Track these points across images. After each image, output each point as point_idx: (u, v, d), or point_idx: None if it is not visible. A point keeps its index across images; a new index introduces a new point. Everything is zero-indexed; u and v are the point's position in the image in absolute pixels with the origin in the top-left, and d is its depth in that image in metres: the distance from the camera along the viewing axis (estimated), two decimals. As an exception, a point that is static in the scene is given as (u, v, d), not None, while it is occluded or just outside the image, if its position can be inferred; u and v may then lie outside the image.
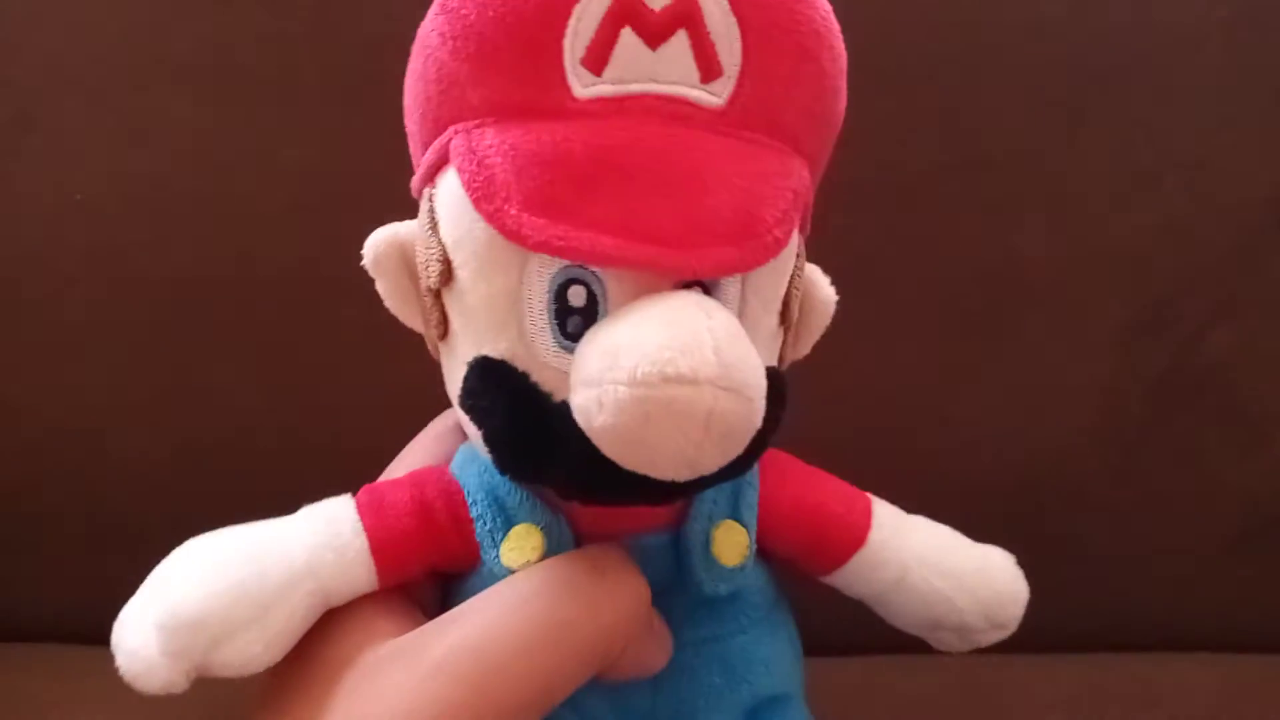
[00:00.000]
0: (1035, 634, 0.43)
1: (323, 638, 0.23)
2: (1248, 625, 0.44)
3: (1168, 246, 0.41)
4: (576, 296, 0.21)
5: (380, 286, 0.25)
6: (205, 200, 0.40)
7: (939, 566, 0.27)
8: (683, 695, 0.25)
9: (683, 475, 0.20)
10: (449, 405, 0.29)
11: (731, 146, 0.21)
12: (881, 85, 0.39)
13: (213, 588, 0.22)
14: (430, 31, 0.22)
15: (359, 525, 0.24)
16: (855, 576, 0.27)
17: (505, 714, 0.20)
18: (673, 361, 0.18)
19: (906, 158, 0.40)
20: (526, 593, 0.22)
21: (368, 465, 0.30)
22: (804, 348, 0.26)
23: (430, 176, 0.23)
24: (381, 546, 0.24)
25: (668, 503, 0.23)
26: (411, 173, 0.25)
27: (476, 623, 0.22)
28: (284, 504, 0.25)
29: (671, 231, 0.19)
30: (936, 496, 0.41)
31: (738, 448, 0.20)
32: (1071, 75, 0.40)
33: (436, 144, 0.22)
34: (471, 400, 0.23)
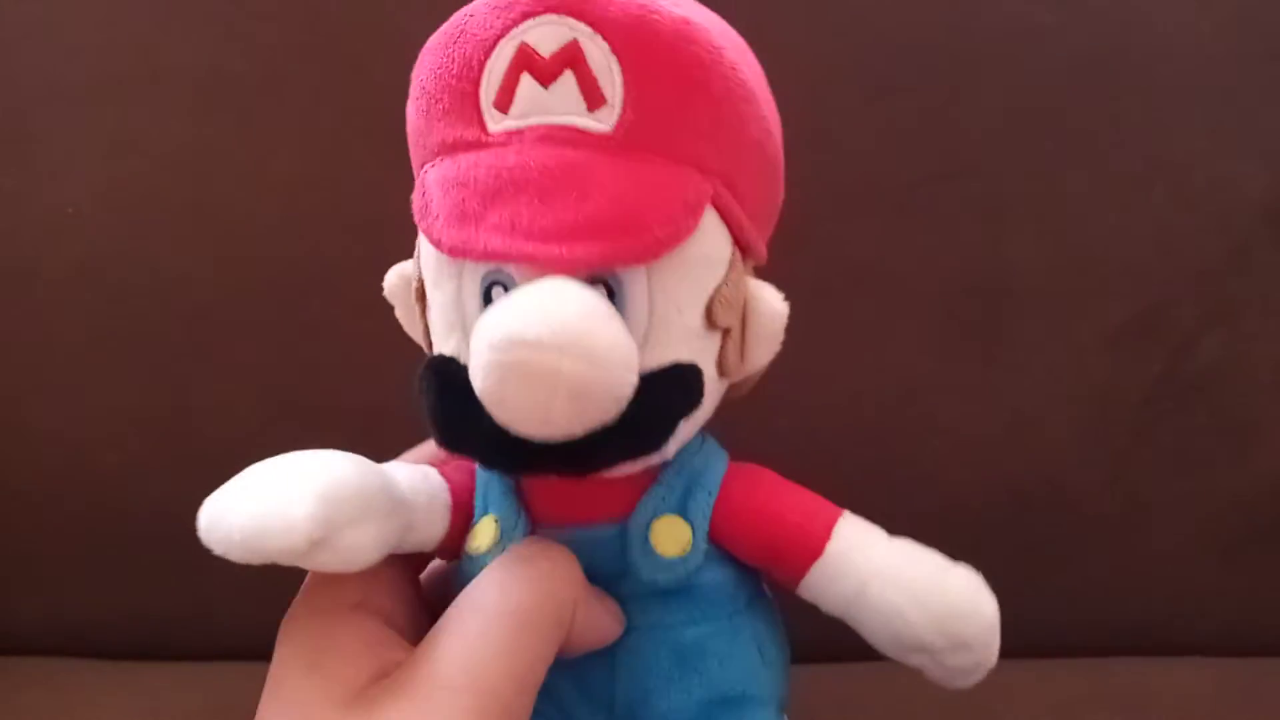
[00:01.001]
0: (1029, 639, 0.43)
1: (310, 670, 0.24)
2: (1242, 629, 0.44)
3: (1159, 252, 0.41)
4: (498, 296, 0.25)
5: (397, 314, 0.29)
6: (197, 210, 0.40)
7: (896, 580, 0.27)
8: (636, 676, 0.27)
9: (544, 432, 0.23)
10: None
11: (617, 163, 0.24)
12: (870, 93, 0.39)
13: (364, 477, 0.25)
14: (408, 101, 0.27)
15: (445, 484, 0.28)
16: (818, 589, 0.27)
17: (505, 702, 0.23)
18: (521, 329, 0.22)
19: (896, 165, 0.40)
20: (479, 598, 0.25)
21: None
22: (760, 356, 0.28)
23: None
24: (457, 508, 0.28)
25: (576, 474, 0.25)
26: (401, 184, 0.28)
27: (449, 640, 0.24)
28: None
29: (550, 231, 0.23)
30: (929, 502, 0.42)
31: (594, 409, 0.23)
32: (1061, 81, 0.40)
33: (416, 189, 0.27)
34: (417, 386, 0.26)
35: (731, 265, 0.26)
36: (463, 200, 0.24)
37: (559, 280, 0.23)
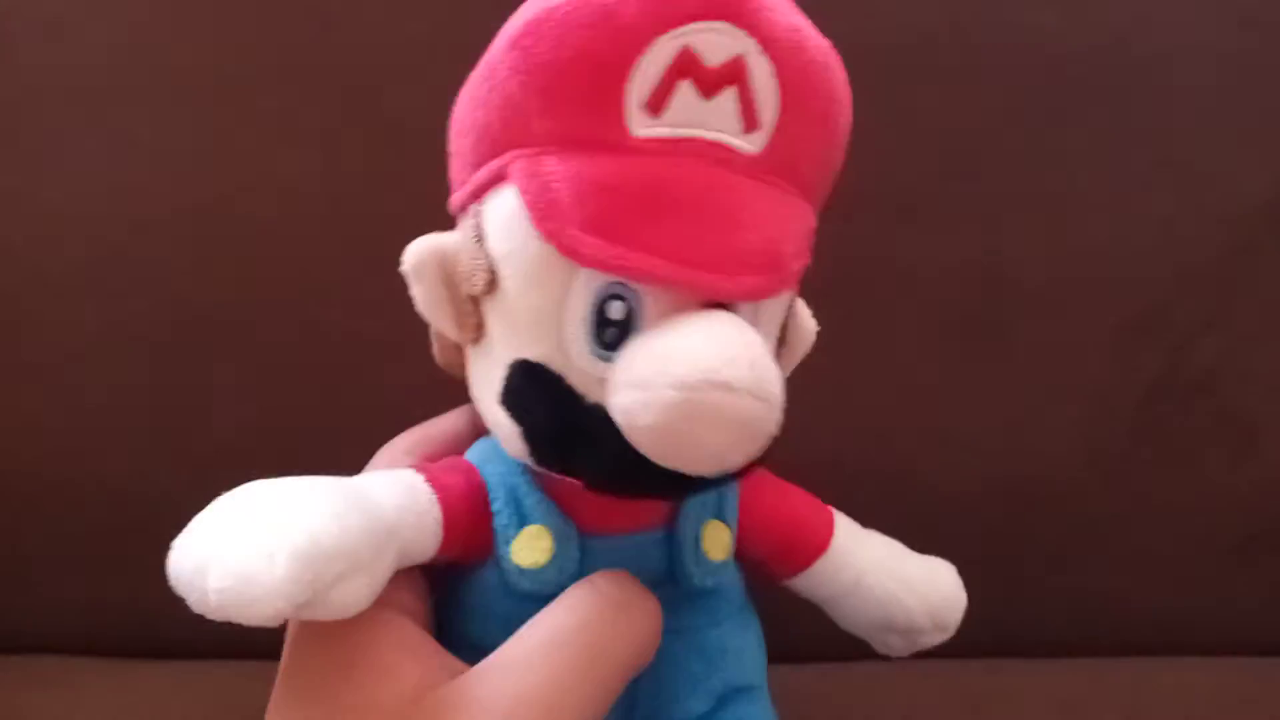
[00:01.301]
0: (1028, 639, 0.43)
1: (346, 678, 0.23)
2: (1241, 629, 0.44)
3: (1160, 252, 0.41)
4: (616, 310, 0.23)
5: (416, 291, 0.26)
6: (203, 211, 0.40)
7: (893, 572, 0.30)
8: (663, 679, 0.28)
9: (713, 471, 0.23)
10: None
11: (762, 190, 0.24)
12: (873, 93, 0.39)
13: (344, 523, 0.22)
14: (499, 64, 0.24)
15: (434, 496, 0.26)
16: (819, 579, 0.30)
17: None
18: (717, 371, 0.21)
19: (898, 165, 0.40)
20: (565, 632, 0.24)
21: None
22: (789, 368, 0.29)
23: (479, 194, 0.25)
24: (450, 523, 0.26)
25: (680, 498, 0.26)
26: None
27: (528, 669, 0.23)
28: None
29: (712, 259, 0.22)
30: (930, 502, 0.42)
31: (759, 450, 0.23)
32: (1063, 81, 0.40)
33: (492, 165, 0.25)
34: (514, 398, 0.25)
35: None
36: (609, 207, 0.22)
37: (727, 315, 0.23)
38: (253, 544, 0.21)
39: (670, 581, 0.27)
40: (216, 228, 0.40)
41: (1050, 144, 0.40)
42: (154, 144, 0.40)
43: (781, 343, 0.27)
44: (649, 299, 0.23)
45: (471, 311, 0.26)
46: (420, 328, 0.29)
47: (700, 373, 0.21)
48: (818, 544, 0.30)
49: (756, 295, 0.24)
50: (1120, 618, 0.44)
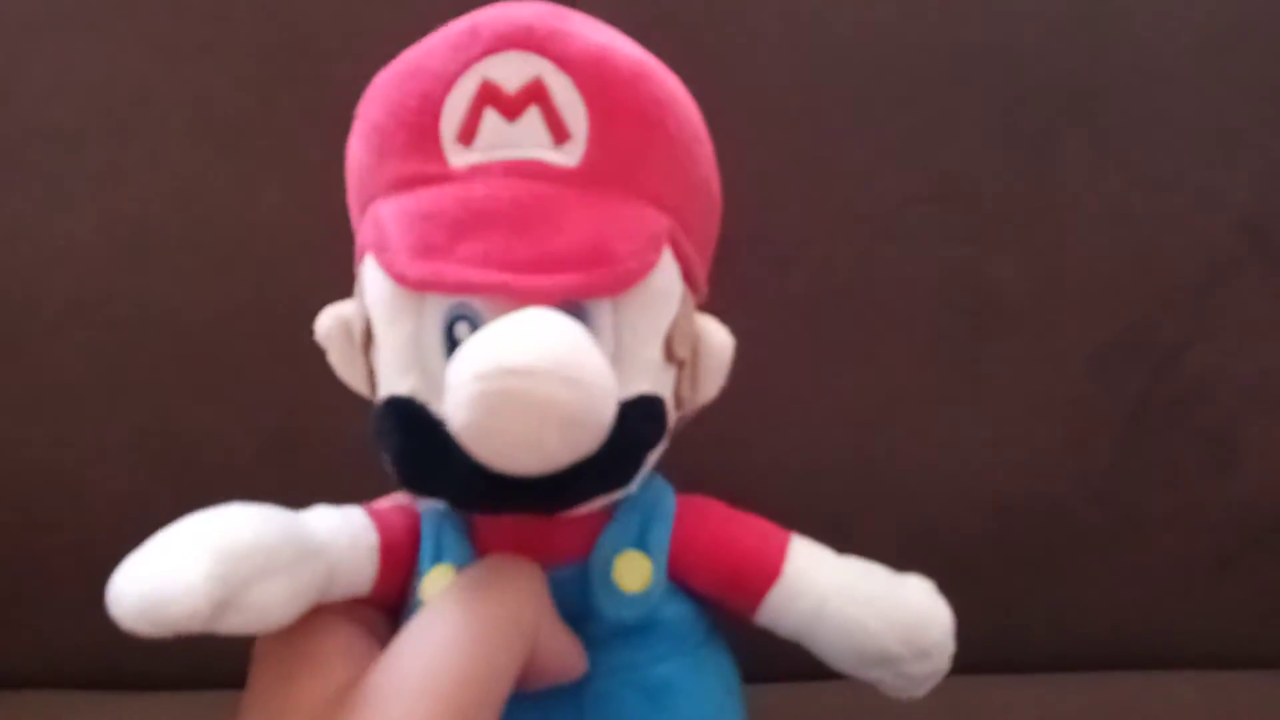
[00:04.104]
0: (1016, 655, 0.43)
1: (286, 681, 0.24)
2: (1230, 642, 0.45)
3: (1141, 269, 0.41)
4: (462, 332, 0.25)
5: (331, 358, 0.29)
6: (188, 244, 0.40)
7: (854, 594, 0.27)
8: None
9: (534, 465, 0.23)
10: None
11: (585, 197, 0.25)
12: (854, 115, 0.40)
13: (263, 527, 0.23)
14: (351, 138, 0.28)
15: (372, 525, 0.27)
16: (777, 611, 0.28)
17: (465, 709, 0.22)
18: (511, 356, 0.21)
19: (879, 186, 0.40)
20: (441, 609, 0.24)
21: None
22: (709, 389, 0.29)
23: (361, 256, 0.27)
24: (387, 549, 0.27)
25: (549, 511, 0.26)
26: None
27: (411, 647, 0.23)
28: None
29: (525, 262, 0.23)
30: (917, 522, 0.42)
31: (585, 436, 0.23)
32: (1041, 101, 0.40)
33: (361, 228, 0.27)
34: (376, 428, 0.26)
35: (683, 300, 0.27)
36: (428, 233, 0.24)
37: (539, 309, 0.23)
38: (170, 548, 0.22)
39: (595, 619, 0.27)
40: (207, 258, 0.41)
41: (1032, 163, 0.41)
42: (143, 176, 0.40)
43: (672, 356, 0.27)
44: (486, 313, 0.24)
45: (365, 365, 0.27)
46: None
47: (494, 361, 0.21)
48: (767, 572, 0.28)
49: (576, 292, 0.24)
50: (1107, 632, 0.44)
